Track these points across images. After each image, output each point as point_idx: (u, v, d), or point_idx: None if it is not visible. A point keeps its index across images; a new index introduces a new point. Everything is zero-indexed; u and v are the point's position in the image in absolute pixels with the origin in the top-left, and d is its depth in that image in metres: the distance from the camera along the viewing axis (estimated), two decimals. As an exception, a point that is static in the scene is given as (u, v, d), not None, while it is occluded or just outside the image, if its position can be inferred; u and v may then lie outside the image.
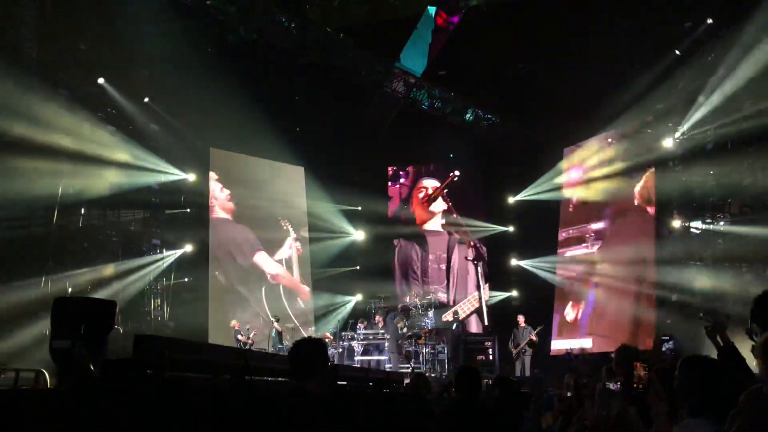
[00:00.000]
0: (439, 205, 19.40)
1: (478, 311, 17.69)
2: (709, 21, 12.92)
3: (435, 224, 19.49)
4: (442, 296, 18.30)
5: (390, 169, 20.00)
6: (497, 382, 5.11)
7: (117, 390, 2.66)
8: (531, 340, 14.06)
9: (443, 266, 19.07)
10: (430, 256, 19.25)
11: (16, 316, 10.60)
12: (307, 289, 17.86)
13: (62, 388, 3.26)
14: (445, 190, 19.35)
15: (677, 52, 13.55)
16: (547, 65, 15.39)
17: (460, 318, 16.61)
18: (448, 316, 17.13)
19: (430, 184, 19.75)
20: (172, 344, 3.25)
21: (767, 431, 2.10)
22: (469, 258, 17.13)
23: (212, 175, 16.65)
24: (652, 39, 13.91)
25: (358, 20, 15.74)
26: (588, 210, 16.89)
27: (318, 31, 14.91)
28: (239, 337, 13.98)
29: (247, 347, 13.41)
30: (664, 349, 12.62)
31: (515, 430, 4.78)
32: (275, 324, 14.68)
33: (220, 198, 16.78)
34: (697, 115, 13.02)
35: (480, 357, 14.47)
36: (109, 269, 13.63)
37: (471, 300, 18.26)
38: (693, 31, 13.25)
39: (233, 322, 14.74)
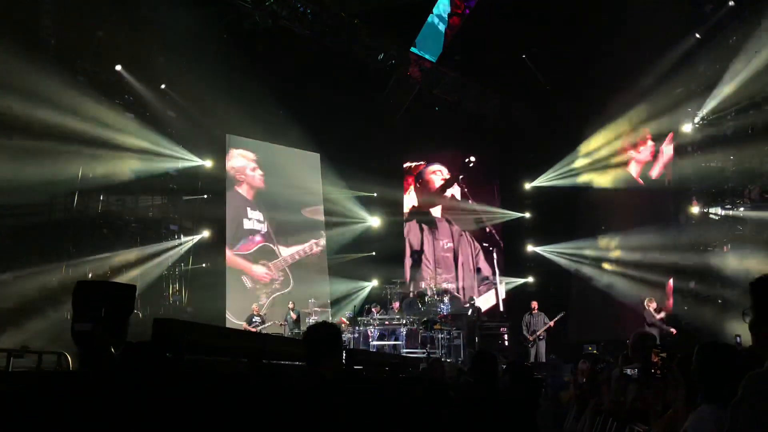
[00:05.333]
0: (447, 193, 19.37)
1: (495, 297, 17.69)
2: (731, 3, 12.68)
3: (437, 211, 19.47)
4: (451, 286, 18.26)
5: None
6: (509, 368, 5.07)
7: (137, 372, 2.70)
8: (550, 327, 13.91)
9: (449, 255, 19.06)
10: (439, 243, 19.24)
11: (37, 301, 10.77)
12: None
13: (83, 370, 3.32)
14: (461, 176, 19.26)
15: (697, 35, 13.33)
16: (564, 50, 15.21)
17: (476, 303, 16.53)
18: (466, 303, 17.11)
19: (444, 168, 19.69)
20: (191, 328, 3.29)
21: None
22: (484, 244, 17.07)
23: (248, 154, 17.23)
24: (671, 22, 13.68)
25: (373, 5, 15.63)
26: (605, 195, 16.75)
27: (333, 17, 14.85)
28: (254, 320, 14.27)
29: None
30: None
31: (533, 415, 4.77)
32: (291, 308, 14.84)
33: (249, 175, 17.15)
34: (717, 100, 12.82)
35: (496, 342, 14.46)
36: (128, 255, 13.78)
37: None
38: (714, 14, 13.02)
39: (254, 306, 15.03)
